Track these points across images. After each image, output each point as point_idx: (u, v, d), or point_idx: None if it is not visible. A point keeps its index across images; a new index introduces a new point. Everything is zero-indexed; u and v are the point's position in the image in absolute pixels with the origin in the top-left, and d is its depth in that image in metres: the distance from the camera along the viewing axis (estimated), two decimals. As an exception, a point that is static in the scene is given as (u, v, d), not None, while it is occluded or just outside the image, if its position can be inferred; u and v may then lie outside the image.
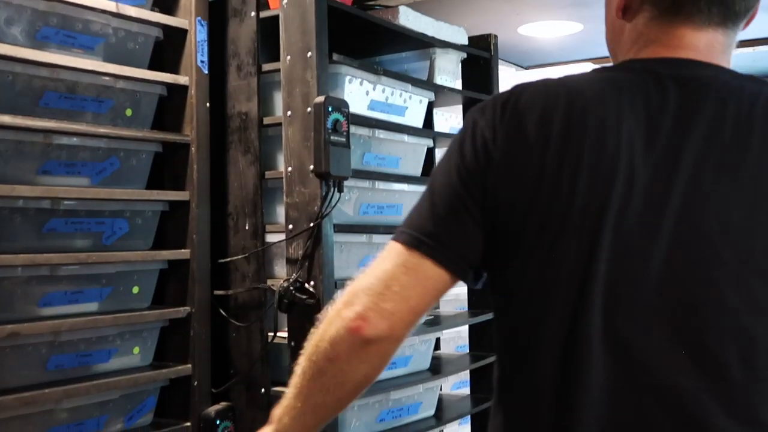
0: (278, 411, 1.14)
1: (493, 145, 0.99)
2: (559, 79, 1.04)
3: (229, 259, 1.93)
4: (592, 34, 3.29)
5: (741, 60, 3.86)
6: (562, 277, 0.96)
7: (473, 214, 1.00)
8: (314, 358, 1.05)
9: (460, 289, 2.61)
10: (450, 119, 2.96)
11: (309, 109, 1.76)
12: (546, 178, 0.96)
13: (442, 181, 1.03)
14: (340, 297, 1.03)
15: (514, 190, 0.98)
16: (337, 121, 1.74)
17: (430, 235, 1.00)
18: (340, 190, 1.76)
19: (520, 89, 1.02)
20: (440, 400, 2.29)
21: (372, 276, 1.01)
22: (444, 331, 2.45)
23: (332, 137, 1.73)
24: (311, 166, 1.76)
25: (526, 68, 3.67)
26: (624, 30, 1.08)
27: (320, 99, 1.73)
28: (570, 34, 3.29)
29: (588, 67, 3.53)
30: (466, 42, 2.36)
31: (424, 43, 2.17)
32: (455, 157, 1.02)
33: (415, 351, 2.12)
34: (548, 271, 0.97)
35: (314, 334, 1.05)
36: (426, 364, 2.18)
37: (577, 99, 0.99)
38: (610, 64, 1.12)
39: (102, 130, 1.70)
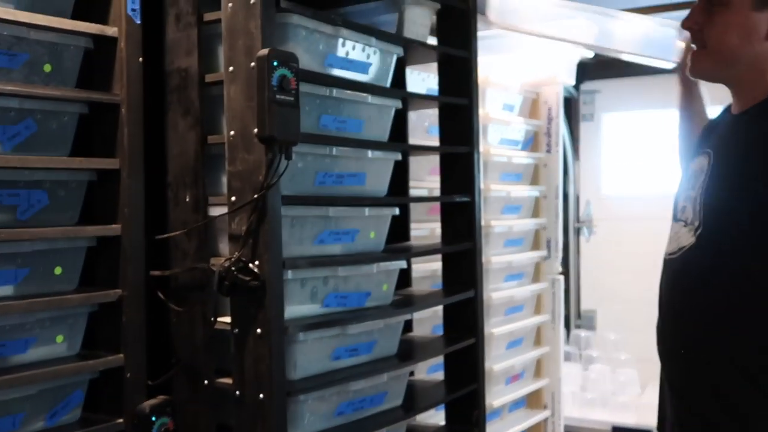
0: None
1: None
2: None
3: (167, 235, 1.77)
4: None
5: None
6: None
7: None
8: None
9: (436, 264, 2.46)
10: (427, 80, 2.79)
11: (252, 64, 1.59)
12: None
13: None
14: None
15: None
16: (283, 77, 1.57)
17: None
18: (288, 157, 1.60)
19: None
20: (411, 387, 2.15)
21: None
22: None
23: (278, 96, 1.56)
24: (255, 130, 1.59)
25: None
26: None
27: (264, 52, 1.56)
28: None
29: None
30: (440, -9, 2.18)
31: (390, -9, 2.00)
32: None
33: (381, 335, 1.97)
34: None
35: None
36: (393, 349, 2.03)
37: None
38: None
39: (13, 87, 1.52)
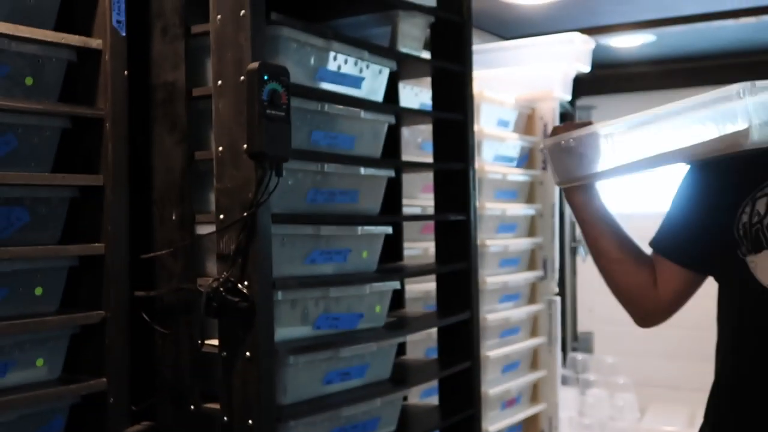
0: None
1: None
2: None
3: (152, 254, 1.75)
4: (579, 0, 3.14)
5: (743, 30, 3.69)
6: None
7: None
8: None
9: (430, 285, 2.45)
10: (420, 94, 2.79)
11: (242, 77, 1.58)
12: None
13: None
14: None
15: None
16: (274, 91, 1.56)
17: None
18: (279, 174, 1.58)
19: None
20: (404, 412, 2.12)
21: None
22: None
23: (268, 111, 1.55)
24: (245, 146, 1.57)
25: (507, 39, 3.49)
26: None
27: (254, 65, 1.55)
28: (555, 1, 3.12)
29: (574, 38, 3.36)
30: (434, 4, 2.18)
31: (384, 4, 1.99)
32: None
33: (374, 359, 1.95)
34: None
35: None
36: (386, 373, 2.01)
37: None
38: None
39: (-8, 101, 1.51)
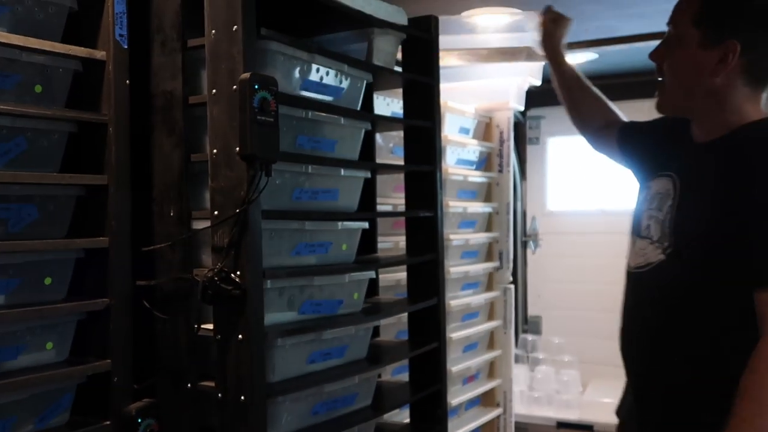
0: None
1: None
2: None
3: (152, 247, 1.71)
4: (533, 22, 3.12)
5: None
6: None
7: None
8: None
9: (401, 275, 2.43)
10: (392, 104, 2.76)
11: (234, 86, 1.54)
12: None
13: None
14: None
15: None
16: (264, 99, 1.53)
17: None
18: (268, 174, 1.55)
19: None
20: (378, 388, 2.10)
21: None
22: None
23: (259, 117, 1.52)
24: (237, 149, 1.54)
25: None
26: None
27: (246, 75, 1.51)
28: (511, 22, 3.11)
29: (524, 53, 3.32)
30: (405, 23, 2.16)
31: (360, 22, 1.96)
32: None
33: (352, 340, 1.93)
34: None
35: None
36: (363, 353, 1.99)
37: None
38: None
39: (5, 107, 1.46)
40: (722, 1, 1.56)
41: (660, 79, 1.64)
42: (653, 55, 1.64)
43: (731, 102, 1.55)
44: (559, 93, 2.10)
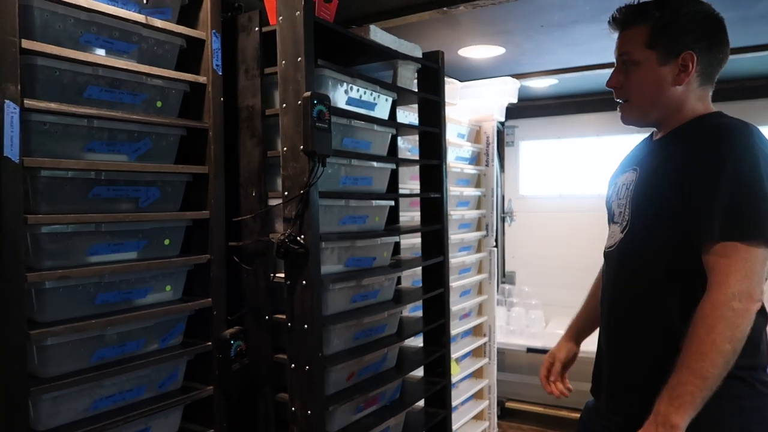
0: (683, 409, 1.17)
1: None
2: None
3: (240, 218, 1.72)
4: (511, 55, 3.09)
5: (755, 62, 3.28)
6: None
7: None
8: (733, 347, 1.16)
9: (416, 240, 2.43)
10: (409, 116, 2.75)
11: (299, 102, 1.55)
12: None
13: None
14: (737, 299, 1.17)
15: None
16: (321, 111, 1.53)
17: None
18: (323, 165, 1.56)
19: (750, 125, 1.27)
20: (401, 321, 2.12)
21: (751, 279, 1.18)
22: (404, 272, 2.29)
23: (317, 124, 1.52)
24: (301, 147, 1.55)
25: (463, 81, 3.44)
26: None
27: (308, 94, 1.52)
28: (495, 56, 3.08)
29: (507, 81, 3.30)
30: (420, 56, 2.14)
31: (388, 55, 1.96)
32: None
33: (382, 287, 1.94)
34: None
35: (725, 334, 1.16)
36: (390, 295, 2.00)
37: None
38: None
39: (136, 117, 1.47)
40: (669, 23, 1.36)
41: (619, 100, 1.44)
42: (611, 82, 1.44)
43: (688, 103, 1.38)
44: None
